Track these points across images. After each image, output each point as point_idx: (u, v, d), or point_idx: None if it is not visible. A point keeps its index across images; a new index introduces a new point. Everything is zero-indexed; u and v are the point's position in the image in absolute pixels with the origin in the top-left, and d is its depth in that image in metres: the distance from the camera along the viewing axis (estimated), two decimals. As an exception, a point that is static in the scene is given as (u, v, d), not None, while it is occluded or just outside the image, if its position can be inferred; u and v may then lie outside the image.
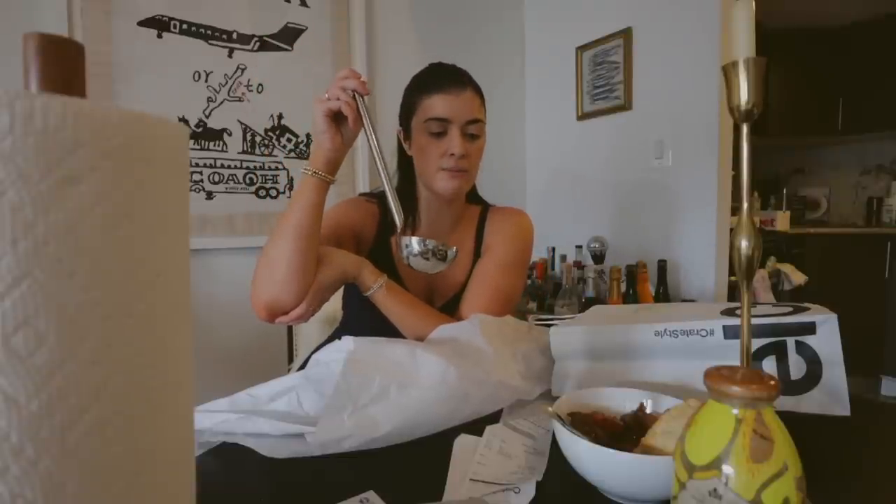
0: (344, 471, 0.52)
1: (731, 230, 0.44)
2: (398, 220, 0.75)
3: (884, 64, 3.12)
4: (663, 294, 1.69)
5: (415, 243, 0.77)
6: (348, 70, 0.75)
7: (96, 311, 0.18)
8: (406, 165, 0.96)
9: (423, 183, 0.94)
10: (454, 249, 0.79)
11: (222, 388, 0.62)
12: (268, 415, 0.57)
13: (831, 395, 0.57)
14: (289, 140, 1.79)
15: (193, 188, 1.63)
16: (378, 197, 0.99)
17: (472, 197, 1.05)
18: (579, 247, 1.91)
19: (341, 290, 1.05)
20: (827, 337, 0.58)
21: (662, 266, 1.70)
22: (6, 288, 0.16)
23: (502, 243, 0.96)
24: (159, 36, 1.56)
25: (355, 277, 0.83)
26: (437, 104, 0.86)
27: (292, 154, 1.81)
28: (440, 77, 0.89)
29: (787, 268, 2.47)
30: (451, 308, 0.91)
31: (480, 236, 0.99)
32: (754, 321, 0.59)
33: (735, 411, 0.31)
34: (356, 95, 0.73)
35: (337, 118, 0.74)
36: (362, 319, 0.97)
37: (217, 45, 1.66)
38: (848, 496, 0.47)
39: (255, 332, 1.71)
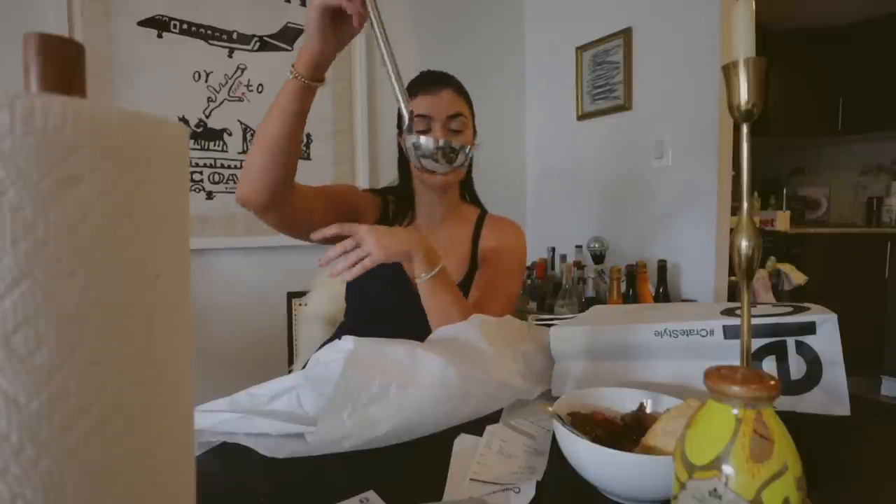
0: (344, 471, 0.52)
1: (731, 230, 0.44)
2: (405, 109, 0.71)
3: (884, 64, 3.12)
4: (663, 294, 1.69)
5: (424, 141, 0.76)
6: None
7: (96, 311, 0.18)
8: (404, 164, 1.03)
9: (416, 178, 1.00)
10: (468, 148, 0.79)
11: (222, 388, 0.62)
12: (268, 415, 0.57)
13: (831, 395, 0.57)
14: (289, 140, 1.80)
15: (193, 188, 1.63)
16: (381, 193, 1.05)
17: (469, 197, 1.10)
18: (579, 247, 1.91)
19: (342, 291, 1.05)
20: (827, 337, 0.58)
21: (662, 266, 1.70)
22: (6, 288, 0.16)
23: (504, 252, 1.01)
24: (159, 36, 1.56)
25: (413, 258, 0.80)
26: (420, 103, 0.94)
27: (292, 154, 1.81)
28: (424, 80, 0.97)
29: (787, 268, 2.47)
30: None
31: (477, 239, 1.04)
32: (754, 321, 0.59)
33: (735, 411, 0.31)
34: None
35: (336, 13, 0.69)
36: (364, 318, 0.98)
37: (217, 45, 1.66)
38: (848, 496, 0.47)
39: (255, 332, 1.71)
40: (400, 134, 1.00)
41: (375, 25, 0.67)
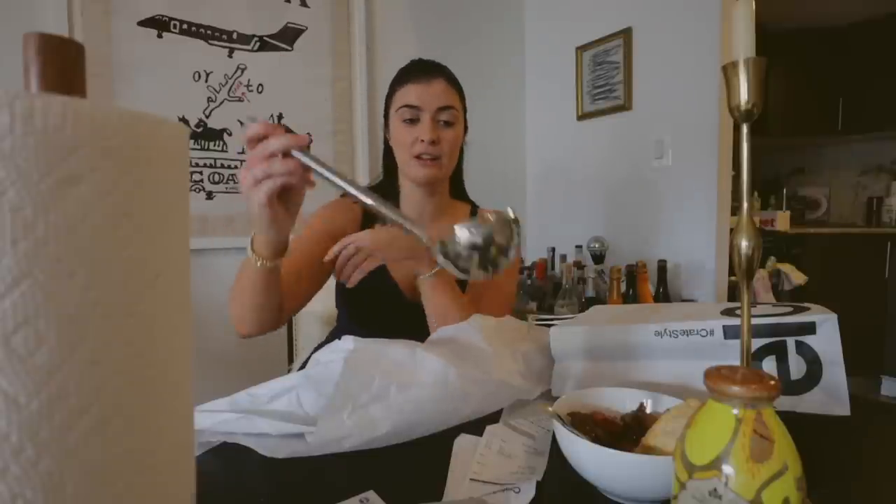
0: (344, 471, 0.52)
1: (731, 230, 0.44)
2: (423, 237, 0.57)
3: (884, 64, 3.12)
4: (663, 294, 1.69)
5: (460, 251, 0.56)
6: (261, 126, 0.57)
7: (96, 311, 0.18)
8: (389, 157, 0.99)
9: (401, 172, 0.96)
10: (511, 254, 0.58)
11: (222, 388, 0.62)
12: (268, 415, 0.57)
13: (831, 395, 0.57)
14: (289, 140, 1.80)
15: (193, 188, 1.63)
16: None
17: (459, 193, 1.07)
18: (579, 247, 1.91)
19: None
20: (827, 337, 0.58)
21: (662, 266, 1.70)
22: (6, 288, 0.16)
23: None
24: (159, 36, 1.56)
25: (416, 257, 0.79)
26: (410, 92, 0.90)
27: (292, 154, 1.81)
28: (414, 68, 0.93)
29: (787, 268, 2.47)
30: None
31: None
32: (754, 321, 0.59)
33: (735, 411, 0.31)
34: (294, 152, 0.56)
35: (279, 194, 0.59)
36: (354, 321, 0.97)
37: (217, 45, 1.66)
38: (848, 496, 0.47)
39: (255, 332, 1.71)
40: (387, 127, 0.97)
41: (328, 174, 0.55)
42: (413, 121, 0.90)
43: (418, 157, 0.90)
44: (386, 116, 0.97)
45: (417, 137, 0.89)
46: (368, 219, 0.99)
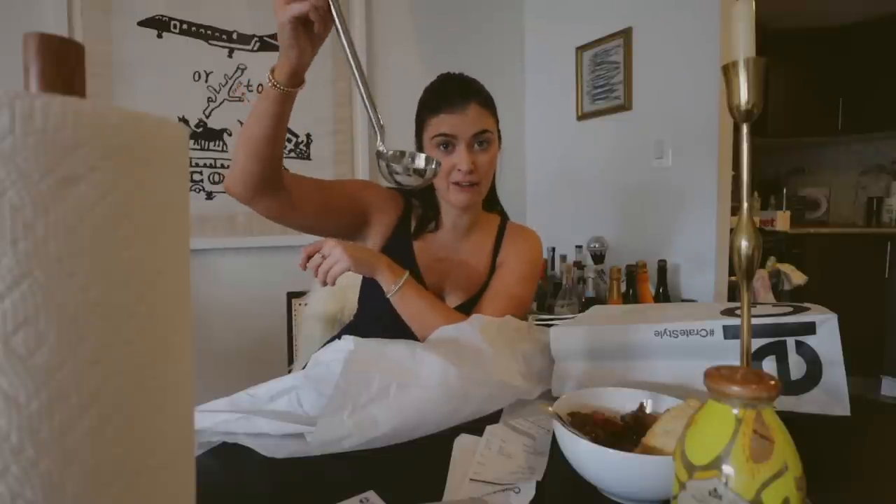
0: (344, 471, 0.52)
1: (731, 230, 0.44)
2: (379, 133, 0.73)
3: (884, 64, 3.12)
4: (663, 294, 1.69)
5: (395, 165, 0.74)
6: None
7: (96, 311, 0.18)
8: None
9: (439, 194, 0.97)
10: (434, 165, 0.75)
11: (222, 388, 0.62)
12: (268, 415, 0.57)
13: (831, 395, 0.57)
14: (289, 140, 1.79)
15: (193, 188, 1.63)
16: (404, 194, 1.02)
17: (492, 203, 1.07)
18: (579, 247, 1.91)
19: (342, 291, 1.05)
20: (827, 337, 0.58)
21: (662, 266, 1.70)
22: (6, 288, 0.16)
23: (518, 260, 1.00)
24: (159, 36, 1.56)
25: (377, 272, 0.83)
26: (443, 122, 0.88)
27: (292, 154, 1.81)
28: (445, 94, 0.91)
29: (787, 268, 2.46)
30: (464, 311, 0.91)
31: (497, 248, 1.02)
32: (754, 321, 0.59)
33: (735, 411, 0.31)
34: None
35: (305, 22, 0.67)
36: (377, 314, 0.97)
37: (217, 45, 1.66)
38: (848, 496, 0.47)
39: (255, 332, 1.71)
40: (418, 145, 0.95)
41: (340, 31, 0.66)
42: (448, 145, 0.89)
43: (456, 183, 0.90)
44: (419, 137, 0.95)
45: (455, 166, 0.89)
46: (407, 214, 0.99)
